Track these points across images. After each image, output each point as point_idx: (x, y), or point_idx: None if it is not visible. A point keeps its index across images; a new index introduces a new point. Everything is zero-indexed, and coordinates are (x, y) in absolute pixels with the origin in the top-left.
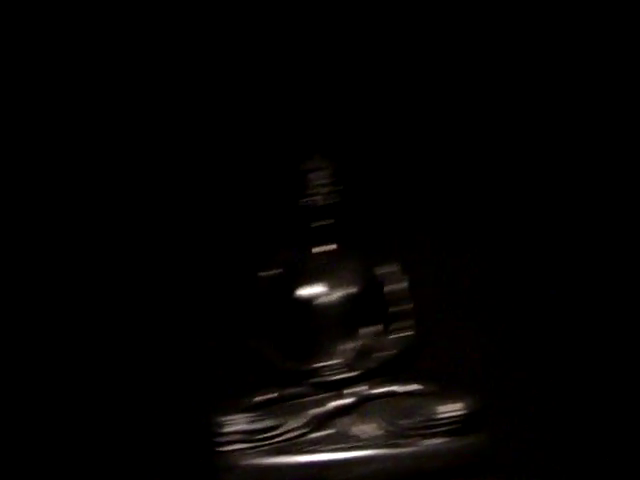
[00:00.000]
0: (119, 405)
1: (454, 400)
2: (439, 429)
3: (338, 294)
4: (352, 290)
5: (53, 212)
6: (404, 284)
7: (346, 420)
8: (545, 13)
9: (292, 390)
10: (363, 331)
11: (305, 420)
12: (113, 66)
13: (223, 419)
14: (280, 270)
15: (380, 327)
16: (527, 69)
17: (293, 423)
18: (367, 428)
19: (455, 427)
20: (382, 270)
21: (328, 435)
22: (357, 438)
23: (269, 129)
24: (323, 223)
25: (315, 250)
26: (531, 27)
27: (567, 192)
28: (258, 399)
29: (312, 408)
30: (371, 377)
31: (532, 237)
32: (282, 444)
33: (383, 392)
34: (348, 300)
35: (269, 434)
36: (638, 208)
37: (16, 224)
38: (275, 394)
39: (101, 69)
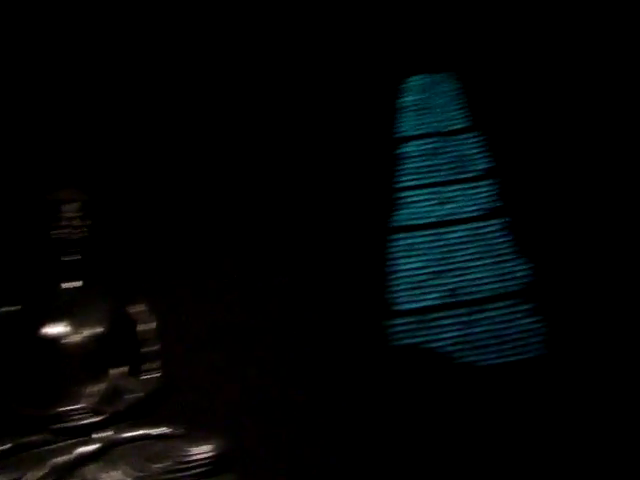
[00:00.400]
0: None
1: (203, 442)
2: (189, 472)
3: (84, 333)
4: (99, 329)
5: None
6: (152, 325)
7: (93, 468)
8: None
9: (32, 438)
10: (110, 373)
11: (46, 471)
12: None
13: None
14: (23, 306)
15: (127, 369)
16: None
17: (32, 475)
18: (116, 475)
19: (205, 469)
20: (130, 310)
21: None
22: None
23: (21, 157)
24: (72, 258)
25: (62, 286)
26: None
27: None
28: None
29: (54, 457)
30: (118, 421)
31: (281, 281)
32: None
33: (131, 436)
34: (95, 340)
35: None
36: None
37: None
38: (11, 444)
39: None
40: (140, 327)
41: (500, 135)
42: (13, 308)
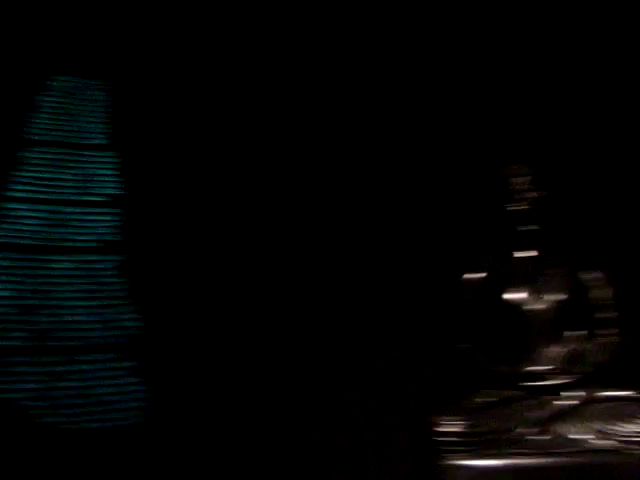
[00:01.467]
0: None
1: None
2: None
3: (544, 299)
4: (557, 296)
5: None
6: (608, 291)
7: (564, 423)
8: None
9: (509, 393)
10: (568, 336)
11: (525, 423)
12: None
13: (444, 420)
14: (485, 274)
15: (585, 333)
16: None
17: (513, 426)
18: (584, 431)
19: None
20: (586, 277)
21: (546, 439)
22: (576, 443)
23: (474, 136)
24: (527, 228)
25: (518, 255)
26: None
27: None
28: (477, 401)
29: (529, 411)
30: (586, 382)
31: None
32: (502, 446)
33: (600, 396)
34: (553, 306)
35: (488, 436)
36: None
37: None
38: (494, 397)
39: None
40: (596, 294)
41: (137, 160)
42: (478, 275)
